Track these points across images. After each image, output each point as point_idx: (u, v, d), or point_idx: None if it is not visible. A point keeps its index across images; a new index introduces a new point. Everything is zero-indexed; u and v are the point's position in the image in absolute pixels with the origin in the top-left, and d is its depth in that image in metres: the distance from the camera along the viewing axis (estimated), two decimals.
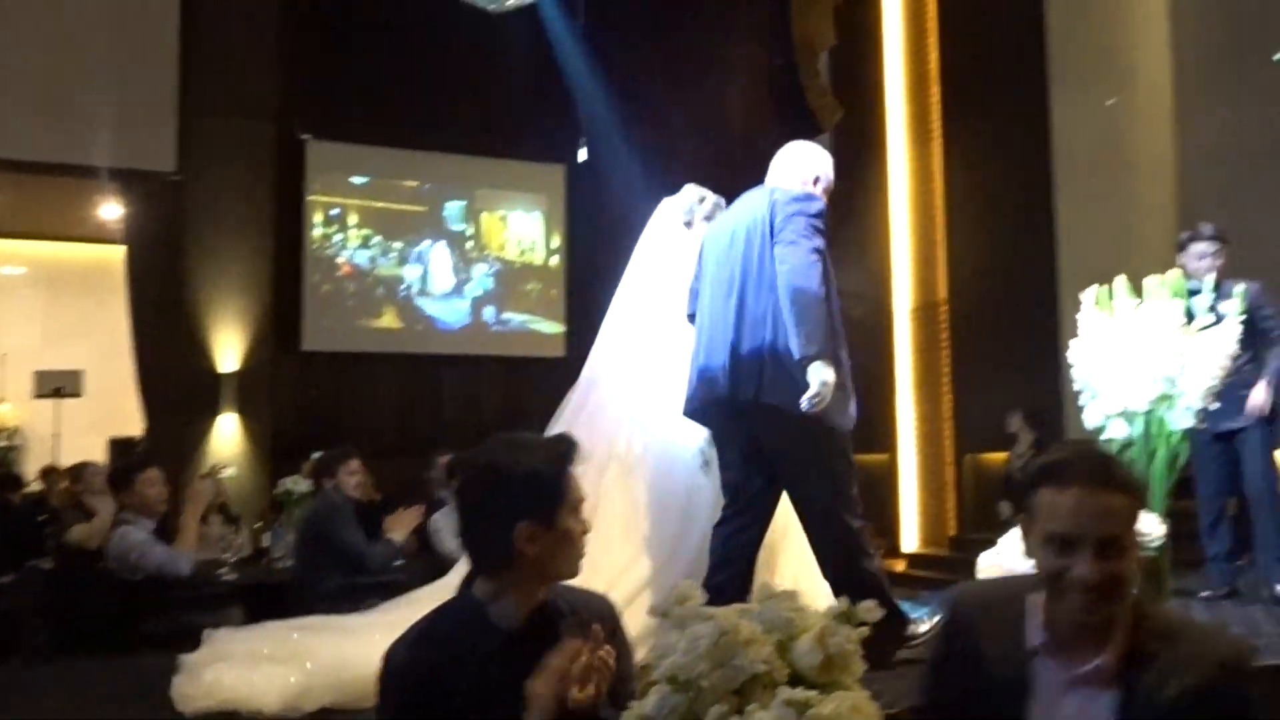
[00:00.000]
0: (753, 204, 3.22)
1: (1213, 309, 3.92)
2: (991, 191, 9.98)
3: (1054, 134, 9.42)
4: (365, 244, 10.60)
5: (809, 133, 12.15)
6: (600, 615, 1.79)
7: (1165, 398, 3.09)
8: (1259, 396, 4.16)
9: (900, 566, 10.00)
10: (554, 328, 11.28)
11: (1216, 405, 3.36)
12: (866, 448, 11.78)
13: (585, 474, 1.89)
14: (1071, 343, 3.35)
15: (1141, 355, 3.07)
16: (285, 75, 9.80)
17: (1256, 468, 4.26)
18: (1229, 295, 4.18)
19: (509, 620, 1.73)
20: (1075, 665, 1.41)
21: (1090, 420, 3.23)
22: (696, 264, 3.32)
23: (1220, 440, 4.35)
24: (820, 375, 2.84)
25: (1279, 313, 4.35)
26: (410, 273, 10.78)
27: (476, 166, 11.10)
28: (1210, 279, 4.22)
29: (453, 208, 11.07)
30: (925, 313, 11.04)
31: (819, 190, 3.32)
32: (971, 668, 1.39)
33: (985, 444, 9.59)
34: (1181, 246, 4.39)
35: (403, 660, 1.71)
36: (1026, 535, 1.49)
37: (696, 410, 3.19)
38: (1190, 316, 4.19)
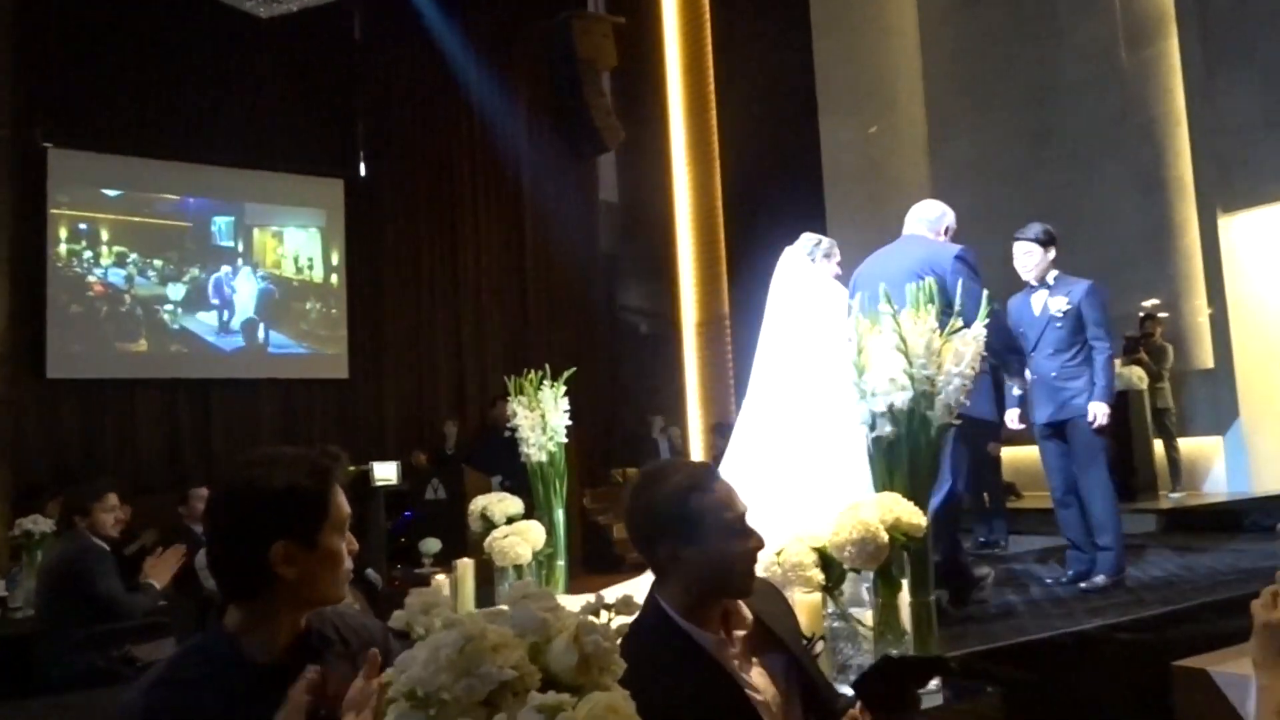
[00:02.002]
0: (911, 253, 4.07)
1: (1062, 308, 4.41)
2: (768, 211, 10.40)
3: (824, 158, 9.95)
4: (120, 262, 9.72)
5: (595, 152, 12.31)
6: (373, 640, 1.64)
7: (925, 396, 3.26)
8: (1101, 418, 4.34)
9: None
10: (335, 348, 10.78)
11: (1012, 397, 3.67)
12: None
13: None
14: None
15: (902, 358, 3.23)
16: (23, 78, 8.88)
17: (1089, 458, 4.50)
18: (1063, 293, 4.54)
19: (266, 653, 1.54)
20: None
21: (860, 419, 3.37)
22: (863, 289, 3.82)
23: (1054, 435, 4.60)
24: None
25: (1105, 320, 4.55)
26: (173, 292, 10.00)
27: (245, 180, 10.42)
28: (1038, 277, 4.57)
29: (220, 223, 10.37)
30: (710, 327, 11.37)
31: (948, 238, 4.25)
32: None
33: None
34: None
35: (140, 711, 1.50)
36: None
37: None
38: (1032, 313, 4.57)
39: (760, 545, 1.77)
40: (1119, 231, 8.91)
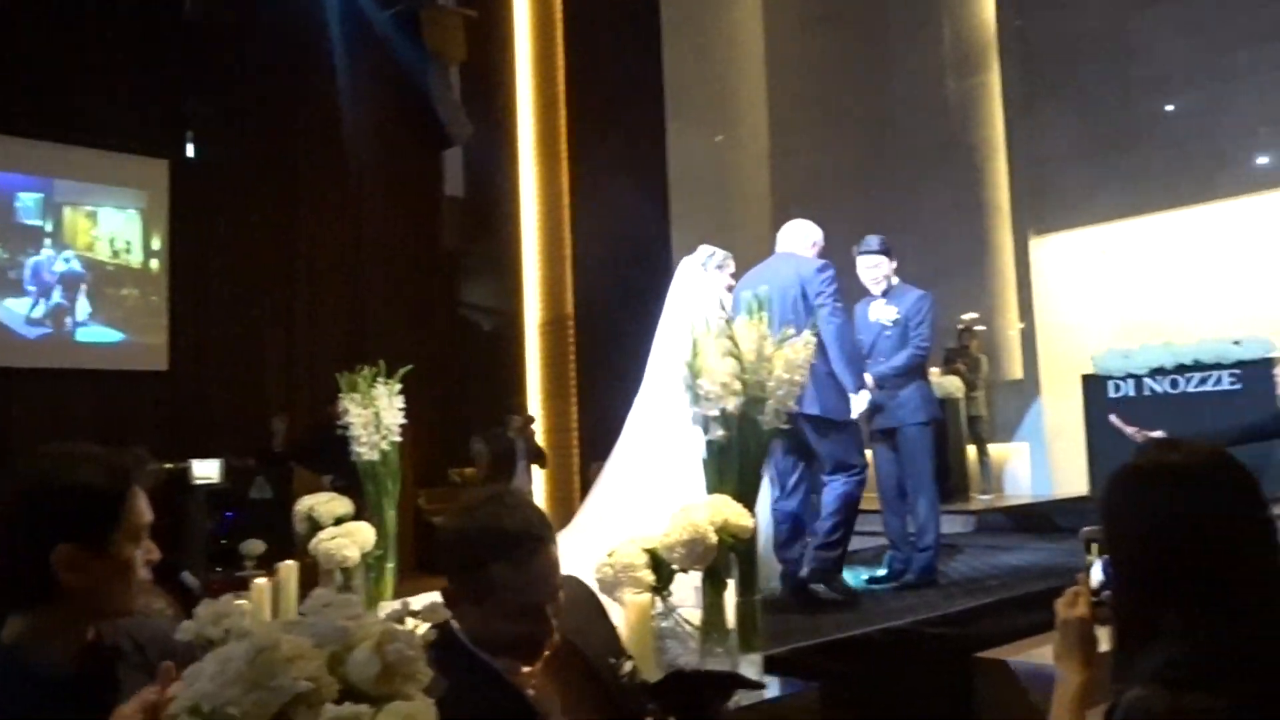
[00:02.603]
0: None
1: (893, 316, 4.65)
2: (615, 213, 10.48)
3: (670, 164, 10.10)
4: None
5: (440, 145, 12.08)
6: (168, 649, 1.54)
7: (756, 400, 3.36)
8: (860, 404, 4.41)
9: None
10: (155, 338, 10.15)
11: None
12: None
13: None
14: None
15: (735, 363, 3.32)
16: None
17: (915, 464, 4.72)
18: (895, 303, 4.75)
19: (54, 666, 1.43)
20: None
21: (693, 422, 3.45)
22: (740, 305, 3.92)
23: (884, 440, 4.79)
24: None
25: (928, 327, 4.73)
26: None
27: (56, 155, 9.65)
28: (884, 288, 4.77)
29: (26, 200, 9.60)
30: (554, 327, 11.34)
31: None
32: None
33: (608, 450, 9.99)
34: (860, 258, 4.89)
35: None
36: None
37: None
38: (868, 321, 4.74)
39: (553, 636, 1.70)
40: (942, 248, 9.43)
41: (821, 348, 4.08)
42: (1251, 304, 7.72)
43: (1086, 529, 1.47)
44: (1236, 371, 6.80)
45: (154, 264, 10.23)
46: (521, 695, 1.61)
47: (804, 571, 4.27)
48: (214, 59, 10.60)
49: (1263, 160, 7.75)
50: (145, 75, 10.11)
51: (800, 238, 4.57)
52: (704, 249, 4.77)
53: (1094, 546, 1.42)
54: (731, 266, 4.71)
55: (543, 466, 9.86)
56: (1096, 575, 1.38)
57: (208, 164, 10.61)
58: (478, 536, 1.66)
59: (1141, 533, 1.17)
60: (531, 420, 8.65)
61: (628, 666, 1.93)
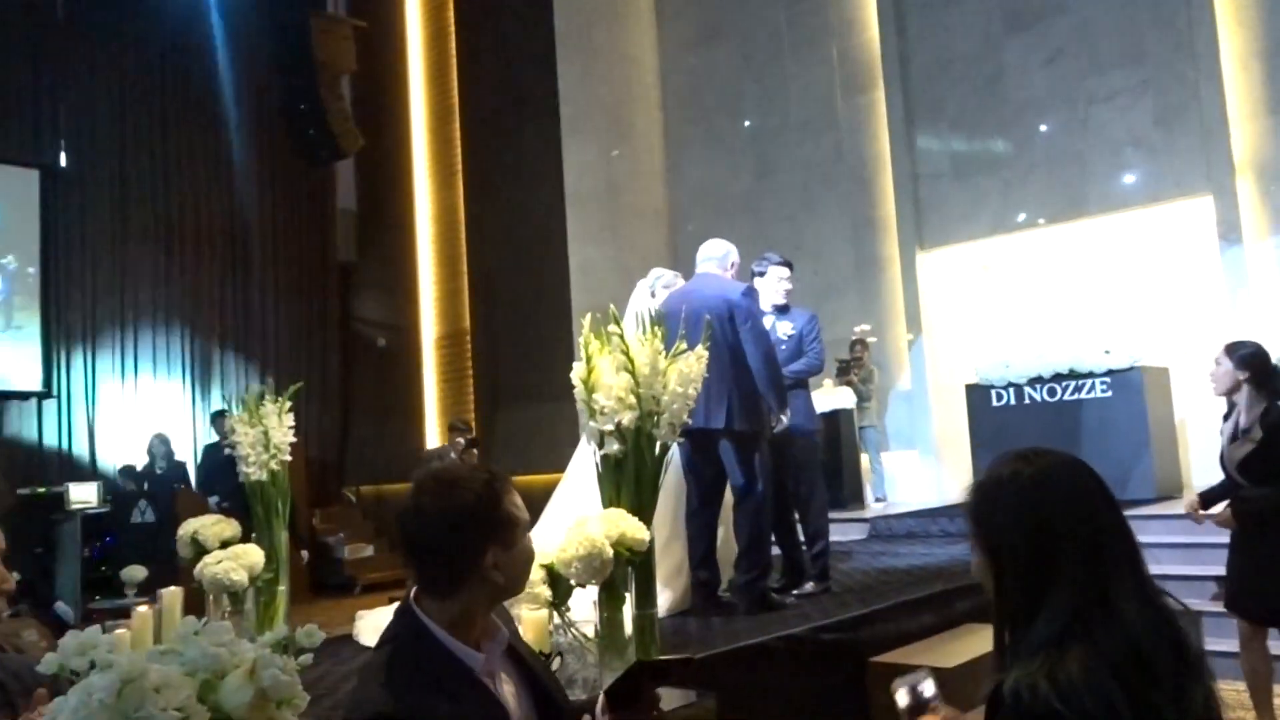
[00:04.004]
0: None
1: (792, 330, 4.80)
2: (511, 227, 10.43)
3: (566, 178, 10.11)
4: None
5: (332, 158, 11.85)
6: (34, 683, 1.46)
7: (650, 414, 3.38)
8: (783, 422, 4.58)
9: None
10: (26, 356, 9.63)
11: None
12: (396, 476, 11.64)
13: None
14: (574, 366, 3.54)
15: (628, 378, 3.33)
16: None
17: (807, 471, 4.83)
18: (790, 319, 4.92)
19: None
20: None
21: (588, 437, 3.44)
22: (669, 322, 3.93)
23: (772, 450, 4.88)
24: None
25: (821, 348, 4.96)
26: None
27: None
28: (781, 300, 4.92)
29: None
30: (451, 341, 11.21)
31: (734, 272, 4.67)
32: None
33: (510, 468, 9.92)
34: (759, 273, 4.97)
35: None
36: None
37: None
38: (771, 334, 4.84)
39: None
40: (834, 262, 9.69)
41: (747, 368, 4.27)
42: (1119, 315, 8.15)
43: (898, 680, 1.62)
44: (1107, 380, 7.15)
45: (24, 278, 9.73)
46: (491, 692, 1.59)
47: (729, 594, 4.43)
48: (86, 66, 10.19)
49: (1129, 179, 8.19)
50: (13, 82, 9.66)
51: (718, 258, 4.67)
52: (654, 272, 4.89)
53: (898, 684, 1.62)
54: (680, 286, 4.79)
55: None
56: (903, 699, 1.57)
57: (82, 174, 10.18)
58: (477, 518, 1.57)
59: (1016, 530, 1.31)
60: (475, 442, 8.35)
61: (556, 662, 1.94)
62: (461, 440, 8.03)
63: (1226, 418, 3.96)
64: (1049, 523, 1.28)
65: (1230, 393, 3.89)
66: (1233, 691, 4.14)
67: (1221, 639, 4.35)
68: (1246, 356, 3.82)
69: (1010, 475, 1.34)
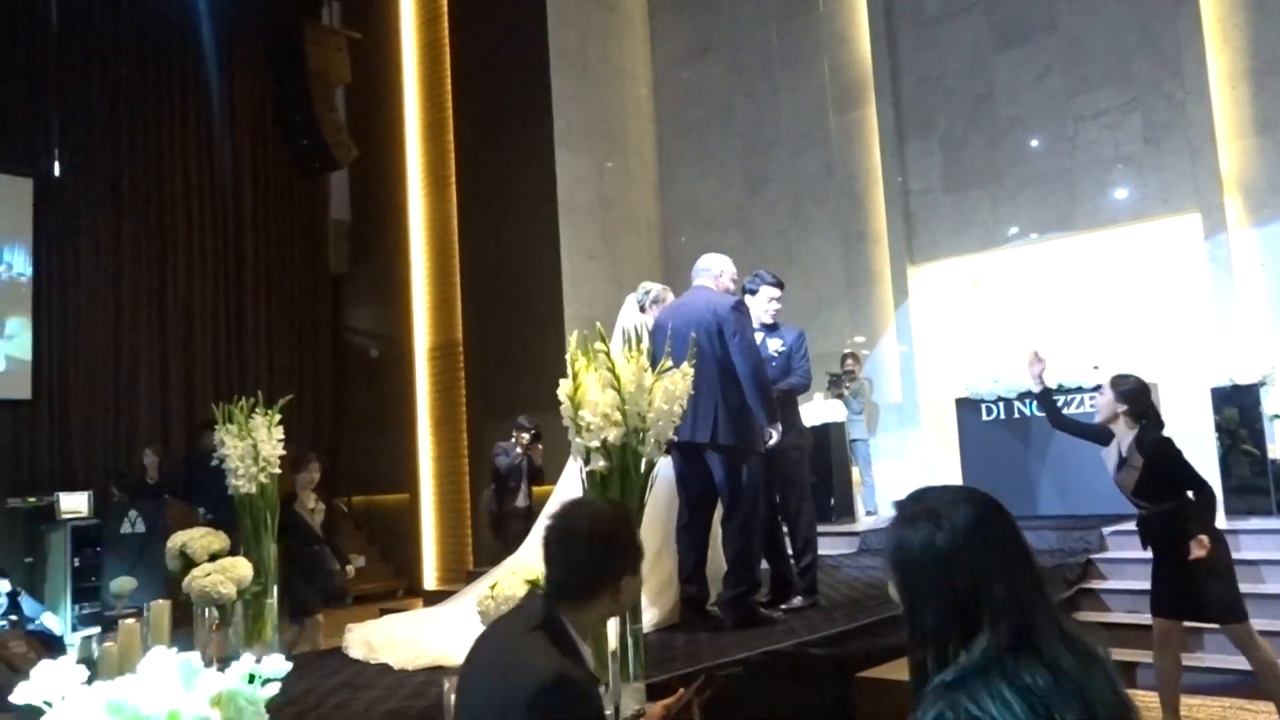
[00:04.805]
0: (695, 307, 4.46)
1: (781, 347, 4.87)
2: (505, 239, 10.45)
3: (559, 191, 10.13)
4: None
5: (325, 169, 11.87)
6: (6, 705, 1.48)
7: (636, 431, 3.40)
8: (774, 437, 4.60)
9: (420, 604, 9.92)
10: (16, 365, 9.62)
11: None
12: (388, 487, 11.62)
13: None
14: (561, 383, 3.54)
15: (614, 395, 3.35)
16: None
17: (795, 486, 4.89)
18: (778, 335, 4.98)
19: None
20: None
21: (574, 453, 3.46)
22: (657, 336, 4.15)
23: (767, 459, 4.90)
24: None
25: (809, 365, 5.02)
26: None
27: None
28: (771, 318, 4.98)
29: None
30: (443, 353, 11.21)
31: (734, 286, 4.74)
32: None
33: None
34: (751, 290, 5.00)
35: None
36: None
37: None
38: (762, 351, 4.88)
39: None
40: (825, 275, 9.72)
41: (735, 382, 4.31)
42: (1108, 330, 8.19)
43: None
44: (1095, 395, 7.18)
45: (16, 288, 9.72)
46: (595, 688, 1.91)
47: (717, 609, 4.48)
48: (79, 75, 10.21)
49: (1118, 196, 8.24)
50: (7, 91, 9.68)
51: (712, 272, 4.72)
52: (644, 285, 4.96)
53: None
54: (670, 300, 4.85)
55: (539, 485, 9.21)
56: None
57: (76, 184, 10.19)
58: (622, 548, 1.97)
59: (938, 598, 1.33)
60: (538, 437, 8.21)
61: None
62: (526, 435, 8.04)
63: (1105, 446, 4.24)
64: (968, 586, 1.29)
65: (1109, 422, 4.20)
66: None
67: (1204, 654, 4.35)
68: (1128, 391, 4.14)
69: (922, 546, 1.35)
